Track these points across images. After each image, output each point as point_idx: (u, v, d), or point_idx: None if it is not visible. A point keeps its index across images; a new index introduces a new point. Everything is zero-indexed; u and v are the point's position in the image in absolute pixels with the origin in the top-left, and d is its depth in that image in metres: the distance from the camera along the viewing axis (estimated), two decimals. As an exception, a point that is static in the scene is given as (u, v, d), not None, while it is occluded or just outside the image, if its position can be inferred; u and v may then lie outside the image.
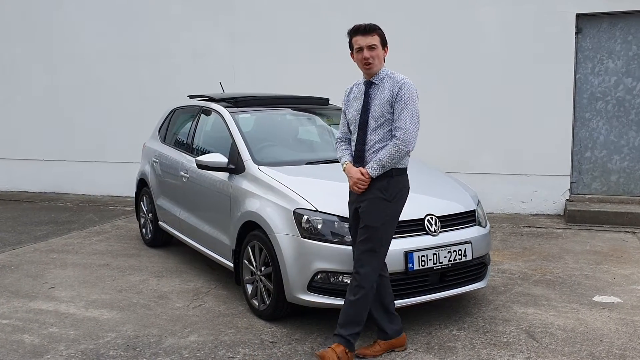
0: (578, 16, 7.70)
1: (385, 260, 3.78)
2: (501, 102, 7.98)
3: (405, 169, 3.63)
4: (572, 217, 7.47)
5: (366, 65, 3.55)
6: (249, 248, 4.43)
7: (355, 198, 3.64)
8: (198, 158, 4.83)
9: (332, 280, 3.91)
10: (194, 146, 5.61)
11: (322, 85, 8.10)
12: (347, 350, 3.51)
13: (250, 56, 9.11)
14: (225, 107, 5.38)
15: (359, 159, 3.62)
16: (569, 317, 4.33)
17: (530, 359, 3.64)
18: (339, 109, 5.77)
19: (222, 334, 4.09)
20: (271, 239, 4.11)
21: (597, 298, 4.75)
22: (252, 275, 4.48)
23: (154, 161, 6.30)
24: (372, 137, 3.58)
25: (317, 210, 3.98)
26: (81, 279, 5.42)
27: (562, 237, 6.83)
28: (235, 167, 4.73)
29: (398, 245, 3.85)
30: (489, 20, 7.97)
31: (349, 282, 3.87)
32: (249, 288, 4.51)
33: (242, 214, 4.49)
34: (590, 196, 7.93)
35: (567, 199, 7.92)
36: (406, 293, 3.92)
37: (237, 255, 4.61)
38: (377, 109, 3.57)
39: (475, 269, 4.27)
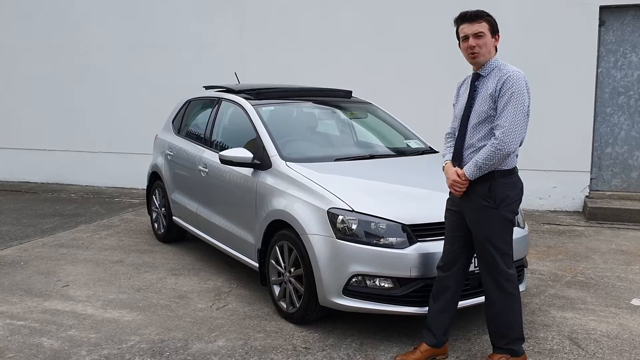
0: (602, 8, 7.50)
1: (425, 264, 3.61)
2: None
3: (513, 169, 3.31)
4: (593, 214, 7.31)
5: (472, 54, 3.27)
6: (277, 248, 4.23)
7: (458, 203, 3.39)
8: (222, 153, 4.61)
9: (369, 283, 3.72)
10: (212, 139, 5.38)
11: (335, 77, 7.93)
12: (507, 357, 3.39)
13: (260, 46, 8.87)
14: (246, 99, 5.16)
15: (457, 158, 3.37)
16: (610, 323, 4.17)
17: (579, 369, 3.48)
18: (363, 102, 5.61)
19: (251, 339, 3.90)
20: (303, 240, 3.91)
21: (635, 302, 4.59)
22: (279, 276, 4.28)
23: (168, 154, 6.08)
24: (472, 135, 3.31)
25: (353, 210, 3.78)
26: (95, 277, 5.21)
27: (585, 236, 6.67)
28: (260, 162, 4.52)
29: (438, 248, 3.65)
30: (510, 12, 7.75)
31: (385, 285, 3.71)
32: (276, 289, 4.31)
33: (269, 213, 4.28)
34: (610, 193, 7.76)
35: (587, 196, 7.76)
36: (446, 298, 3.73)
37: (263, 254, 4.41)
38: (480, 104, 3.28)
39: (520, 271, 4.09)
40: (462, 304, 3.76)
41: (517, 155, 3.36)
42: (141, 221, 7.39)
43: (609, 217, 7.25)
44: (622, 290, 4.85)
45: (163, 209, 6.28)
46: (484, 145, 3.24)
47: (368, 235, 3.72)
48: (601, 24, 7.55)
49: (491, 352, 3.50)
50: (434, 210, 3.82)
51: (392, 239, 3.68)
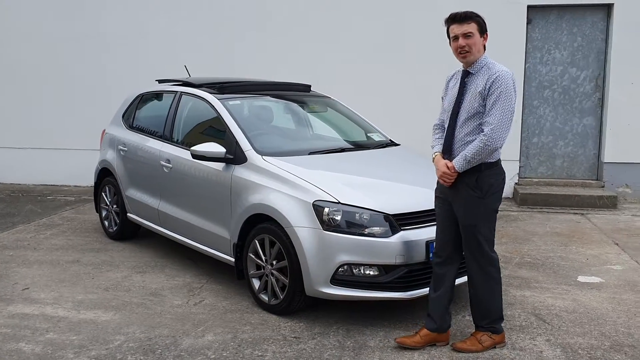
0: (529, 7, 8.03)
1: (409, 251, 3.81)
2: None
3: (497, 162, 3.51)
4: (524, 199, 7.85)
5: (461, 53, 3.45)
6: (256, 242, 4.28)
7: (447, 192, 3.58)
8: (193, 148, 4.59)
9: (355, 272, 3.87)
10: (174, 134, 5.32)
11: (269, 69, 8.02)
12: (489, 335, 3.63)
13: (199, 37, 8.77)
14: (210, 93, 5.14)
15: (447, 150, 3.55)
16: (565, 299, 4.56)
17: (551, 341, 3.80)
18: (322, 96, 5.74)
19: (238, 332, 3.95)
20: (288, 232, 3.99)
21: (581, 279, 5.03)
22: (258, 269, 4.34)
23: (122, 149, 5.93)
24: (461, 130, 3.49)
25: (339, 202, 3.91)
26: (55, 278, 5.03)
27: (521, 220, 7.16)
28: (233, 157, 4.54)
29: (420, 236, 3.86)
30: (448, 9, 8.10)
31: (371, 273, 3.87)
32: (256, 283, 4.37)
33: (248, 207, 4.32)
34: (537, 180, 8.35)
35: (516, 183, 8.30)
36: (428, 282, 3.93)
37: (239, 249, 4.45)
38: (470, 100, 3.46)
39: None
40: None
41: (501, 149, 3.56)
42: (85, 219, 7.14)
43: (538, 202, 7.82)
44: (566, 269, 5.29)
45: (115, 206, 6.12)
46: (473, 140, 3.44)
47: (354, 226, 3.86)
48: (528, 22, 8.08)
49: (473, 330, 3.76)
50: (413, 199, 4.05)
51: (377, 229, 3.85)
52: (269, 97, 5.43)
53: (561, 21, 8.08)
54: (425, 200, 3.94)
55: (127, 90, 8.78)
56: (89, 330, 3.98)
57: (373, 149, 5.07)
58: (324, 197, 3.95)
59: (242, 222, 4.38)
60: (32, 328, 4.02)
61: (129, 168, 5.83)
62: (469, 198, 3.49)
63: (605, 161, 8.13)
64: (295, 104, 5.56)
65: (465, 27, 3.45)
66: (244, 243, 4.43)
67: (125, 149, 5.88)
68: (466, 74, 3.55)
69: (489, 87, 3.39)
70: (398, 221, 3.90)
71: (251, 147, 4.52)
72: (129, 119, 6.09)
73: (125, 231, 6.09)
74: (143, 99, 6.07)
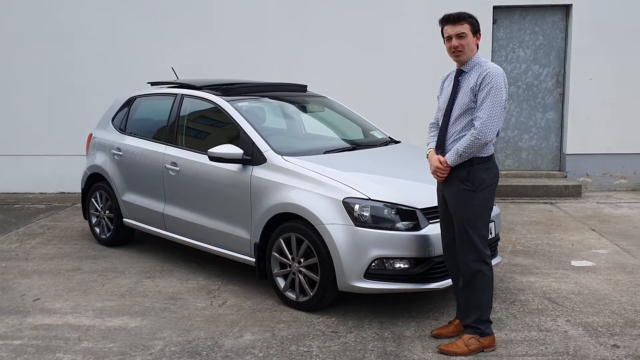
0: (495, 7, 8.41)
1: (438, 243, 3.97)
2: (428, 87, 8.47)
3: (490, 157, 3.61)
4: (497, 191, 8.20)
5: (455, 53, 3.57)
6: (281, 240, 4.35)
7: (442, 187, 3.73)
8: (211, 150, 4.59)
9: (387, 265, 4.01)
10: (179, 137, 5.28)
11: (256, 68, 8.07)
12: (477, 338, 3.61)
13: (177, 38, 8.67)
14: (216, 95, 5.15)
15: (440, 146, 3.67)
16: (568, 282, 4.87)
17: (570, 322, 4.08)
18: (318, 96, 5.84)
19: (275, 330, 4.01)
20: (319, 230, 4.09)
21: (574, 263, 5.37)
22: (282, 267, 4.41)
23: (116, 154, 5.82)
24: (454, 126, 3.60)
25: (369, 199, 4.04)
26: (63, 287, 4.91)
27: (498, 211, 7.50)
28: (251, 158, 4.59)
29: (437, 230, 4.00)
30: (417, 9, 8.40)
31: (402, 266, 4.02)
32: (280, 281, 4.44)
33: (271, 207, 4.38)
34: (505, 172, 8.76)
35: (486, 176, 8.66)
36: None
37: (261, 249, 4.51)
38: (462, 97, 3.56)
39: (495, 245, 4.62)
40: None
41: (494, 144, 3.70)
42: (66, 227, 6.95)
43: (509, 194, 8.21)
44: (558, 254, 5.64)
45: (108, 211, 6.01)
46: (465, 135, 3.54)
47: (385, 221, 4.01)
48: (494, 22, 8.47)
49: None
50: (434, 193, 4.21)
51: (407, 223, 4.01)
52: (270, 98, 5.48)
53: (524, 21, 8.51)
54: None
55: (92, 96, 8.65)
56: (123, 337, 3.94)
57: (380, 146, 5.22)
58: (354, 194, 4.07)
59: (265, 221, 4.43)
60: (63, 338, 3.94)
61: (126, 173, 5.73)
62: (461, 192, 3.57)
63: (567, 153, 8.64)
64: (297, 104, 5.63)
65: (459, 27, 3.55)
66: (265, 243, 4.49)
67: (120, 153, 5.78)
68: (460, 73, 3.66)
69: (480, 83, 3.48)
70: (425, 215, 4.07)
71: (269, 148, 4.58)
72: (121, 122, 5.99)
73: (120, 237, 5.99)
74: (136, 102, 5.98)
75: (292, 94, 5.72)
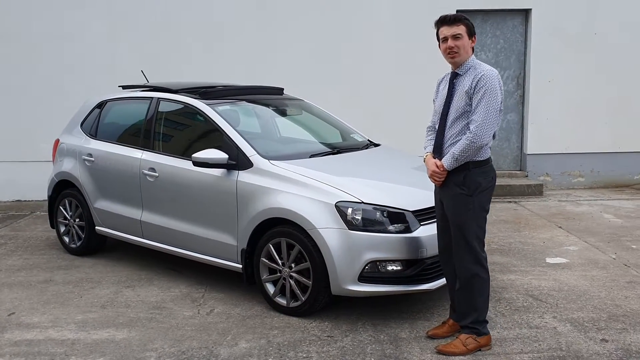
0: (457, 12, 8.55)
1: (430, 244, 4.01)
2: (396, 87, 8.57)
3: (486, 160, 3.61)
4: (462, 192, 8.37)
5: (450, 54, 3.57)
6: (270, 246, 4.30)
7: (438, 190, 3.75)
8: (195, 155, 4.50)
9: (380, 268, 4.02)
10: (156, 142, 5.15)
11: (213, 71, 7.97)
12: (474, 337, 3.64)
13: (132, 40, 8.46)
14: (194, 98, 5.04)
15: (437, 150, 3.68)
16: (547, 279, 5.00)
17: (557, 318, 4.19)
18: (295, 99, 5.82)
19: (269, 336, 3.96)
20: (312, 234, 4.06)
21: (549, 260, 5.52)
22: (271, 273, 4.36)
23: (87, 160, 5.62)
24: (450, 130, 3.60)
25: (361, 202, 4.04)
26: (38, 300, 4.70)
27: (466, 211, 7.65)
28: (236, 163, 4.52)
29: (433, 231, 4.04)
30: (385, 15, 8.49)
31: (394, 268, 4.04)
32: (270, 287, 4.38)
33: (260, 212, 4.32)
34: (469, 173, 8.93)
35: (451, 176, 8.83)
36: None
37: (249, 254, 4.44)
38: (458, 100, 3.56)
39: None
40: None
41: (490, 147, 3.68)
42: (29, 236, 6.67)
43: (474, 194, 8.37)
44: (532, 252, 5.78)
45: (77, 219, 5.80)
46: (461, 139, 3.54)
47: (377, 224, 4.02)
48: (457, 25, 8.62)
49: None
50: (424, 195, 4.25)
51: (400, 225, 4.03)
52: (248, 101, 5.40)
53: (486, 25, 8.71)
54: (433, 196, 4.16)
55: (47, 100, 8.35)
56: (112, 350, 3.80)
57: (362, 149, 5.23)
58: (346, 198, 4.06)
59: (253, 227, 4.37)
60: (48, 354, 3.77)
61: (98, 179, 5.55)
62: (458, 196, 3.58)
63: (527, 153, 8.89)
64: (276, 108, 5.59)
65: (455, 29, 3.56)
66: (253, 248, 4.43)
67: (92, 159, 5.59)
68: (455, 76, 3.65)
69: (475, 86, 3.48)
70: (416, 217, 4.10)
71: (255, 152, 4.51)
72: (92, 127, 5.79)
73: (92, 246, 5.79)
74: (107, 106, 5.79)
75: (270, 97, 5.67)
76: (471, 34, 3.62)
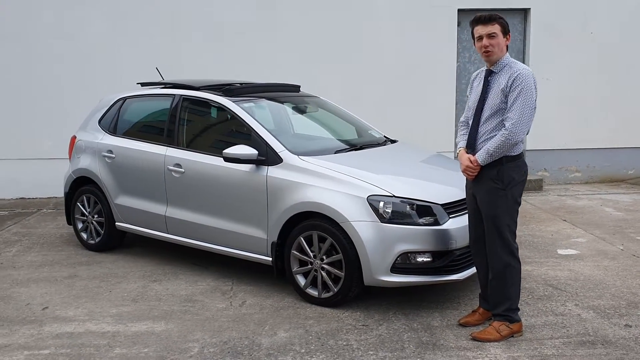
0: (459, 11, 8.75)
1: (459, 236, 4.16)
2: (397, 87, 8.72)
3: (519, 155, 3.72)
4: (465, 187, 8.56)
5: (485, 52, 3.68)
6: (302, 239, 4.41)
7: (471, 185, 3.87)
8: (226, 151, 4.59)
9: (411, 259, 4.16)
10: (181, 138, 5.21)
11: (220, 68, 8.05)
12: (507, 324, 3.79)
13: (133, 37, 8.49)
14: (221, 96, 5.13)
15: (470, 146, 3.80)
16: (562, 270, 5.19)
17: (579, 306, 4.37)
18: (311, 96, 5.92)
19: (306, 326, 4.07)
20: (345, 227, 4.18)
21: (561, 252, 5.72)
22: (302, 265, 4.48)
23: (107, 156, 5.67)
24: (484, 126, 3.73)
25: (392, 196, 4.17)
26: (68, 295, 4.76)
27: (470, 205, 7.84)
28: (265, 158, 4.62)
29: (465, 221, 4.18)
30: (387, 13, 8.63)
31: (424, 260, 4.17)
32: (300, 278, 4.50)
33: (291, 206, 4.43)
34: (469, 168, 9.12)
35: (452, 172, 9.02)
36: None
37: (279, 248, 4.55)
38: (493, 98, 3.67)
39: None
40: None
41: (522, 143, 3.81)
42: (43, 233, 6.69)
43: (476, 189, 8.57)
44: (542, 244, 5.97)
45: (96, 216, 5.85)
46: (495, 135, 3.66)
47: (409, 217, 4.15)
48: (458, 24, 8.81)
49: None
50: (451, 188, 4.41)
51: (429, 218, 4.17)
52: (267, 98, 5.49)
53: (486, 24, 8.88)
54: (460, 190, 4.31)
55: (47, 97, 8.34)
56: (154, 341, 3.89)
57: (382, 145, 5.36)
58: (377, 192, 4.19)
59: (285, 220, 4.48)
60: (92, 345, 3.84)
61: (119, 175, 5.60)
62: (492, 190, 3.71)
63: (526, 149, 9.09)
64: (295, 105, 5.69)
65: (490, 27, 3.67)
66: (283, 242, 4.54)
67: (112, 155, 5.64)
68: (489, 73, 3.77)
69: (511, 85, 3.60)
70: (446, 210, 4.25)
71: (284, 148, 4.62)
72: (110, 124, 5.84)
73: (111, 242, 5.84)
74: (126, 103, 5.84)
75: (288, 94, 5.77)
76: (505, 32, 3.74)
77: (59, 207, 8.02)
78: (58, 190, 8.62)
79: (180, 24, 8.54)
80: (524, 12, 8.91)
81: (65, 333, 4.04)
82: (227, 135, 5.08)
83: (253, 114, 4.92)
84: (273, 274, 4.64)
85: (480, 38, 3.73)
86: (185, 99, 5.33)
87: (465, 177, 3.95)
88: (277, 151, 4.61)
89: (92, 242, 5.93)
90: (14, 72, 8.48)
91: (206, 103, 5.21)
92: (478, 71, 3.98)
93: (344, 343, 3.80)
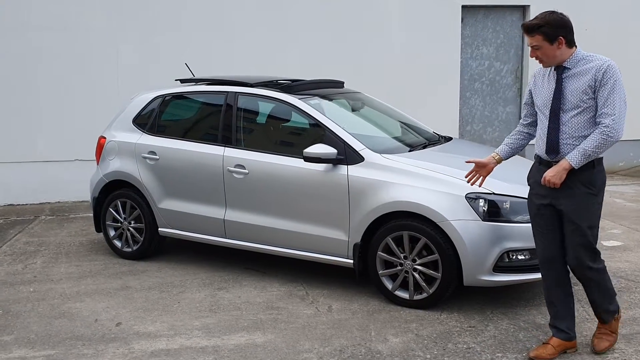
0: (463, 7, 8.81)
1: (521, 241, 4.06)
2: (401, 82, 8.69)
3: (602, 157, 3.40)
4: (473, 182, 8.64)
5: (538, 61, 3.44)
6: (389, 239, 4.28)
7: (553, 192, 3.42)
8: (307, 150, 4.39)
9: (511, 257, 4.11)
10: (241, 138, 4.95)
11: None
12: (617, 318, 3.65)
13: (137, 32, 8.06)
14: (287, 93, 4.90)
15: (552, 149, 3.40)
16: (620, 261, 5.28)
17: (659, 296, 4.47)
18: (355, 92, 5.76)
19: (412, 330, 3.95)
20: (442, 227, 4.08)
21: (606, 244, 5.83)
22: (387, 267, 4.34)
23: (149, 157, 5.31)
24: (567, 125, 3.36)
25: (492, 193, 4.11)
26: (135, 307, 4.43)
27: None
28: (344, 157, 4.45)
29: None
30: (394, 9, 8.57)
31: (523, 257, 4.13)
32: (386, 281, 4.36)
33: (379, 206, 4.28)
34: (472, 163, 9.22)
35: (456, 168, 9.09)
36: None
37: (362, 249, 4.40)
38: (573, 95, 3.32)
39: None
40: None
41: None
42: (59, 242, 6.22)
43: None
44: (582, 237, 6.08)
45: (133, 222, 5.48)
46: (586, 135, 3.32)
47: (509, 214, 4.10)
48: (462, 20, 8.87)
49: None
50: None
51: (526, 215, 4.10)
52: (319, 96, 5.29)
53: (487, 20, 9.01)
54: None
55: (36, 95, 7.79)
56: (263, 354, 3.66)
57: (444, 142, 5.28)
58: (476, 189, 4.10)
59: (370, 221, 4.33)
60: (200, 362, 3.58)
61: (164, 178, 5.26)
62: (585, 196, 3.36)
63: (525, 143, 9.27)
64: (348, 102, 5.51)
65: (531, 40, 3.38)
66: (366, 243, 4.39)
67: (156, 157, 5.29)
68: (562, 70, 3.38)
69: (601, 79, 3.27)
70: (538, 206, 4.22)
71: (365, 147, 4.47)
72: (148, 123, 5.47)
73: (152, 248, 5.49)
74: (167, 101, 5.49)
75: (338, 90, 5.59)
76: (552, 39, 3.33)
77: (57, 214, 7.51)
78: (50, 196, 8.16)
79: (182, 21, 8.15)
80: (523, 9, 9.06)
81: (161, 350, 3.74)
82: (296, 134, 4.87)
83: (323, 112, 4.73)
84: (342, 275, 4.48)
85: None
86: (241, 96, 5.05)
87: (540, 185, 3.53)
88: (358, 150, 4.45)
89: (128, 249, 5.55)
90: (11, 71, 7.83)
91: (267, 100, 4.96)
92: (542, 69, 3.56)
93: (465, 346, 3.71)
